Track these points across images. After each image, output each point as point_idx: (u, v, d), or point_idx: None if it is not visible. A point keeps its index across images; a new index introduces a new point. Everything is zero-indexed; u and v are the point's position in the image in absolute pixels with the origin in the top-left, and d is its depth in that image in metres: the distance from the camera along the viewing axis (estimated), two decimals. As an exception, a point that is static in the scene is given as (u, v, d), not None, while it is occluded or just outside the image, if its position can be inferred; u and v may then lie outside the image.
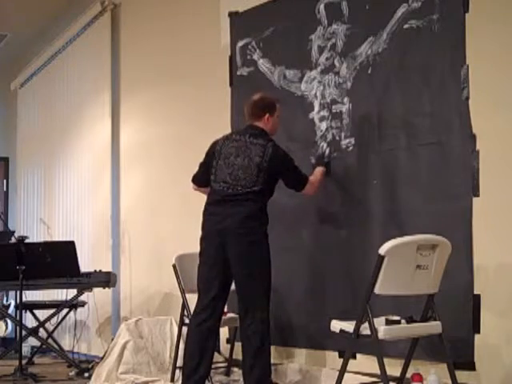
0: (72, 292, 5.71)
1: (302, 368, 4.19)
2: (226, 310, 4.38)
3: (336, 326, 3.31)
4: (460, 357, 3.38)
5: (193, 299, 4.01)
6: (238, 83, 4.90)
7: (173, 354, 4.43)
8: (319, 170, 4.10)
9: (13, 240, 5.71)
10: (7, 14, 7.02)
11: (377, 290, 3.08)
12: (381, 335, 3.06)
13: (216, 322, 3.79)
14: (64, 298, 5.81)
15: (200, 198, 4.02)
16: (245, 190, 3.73)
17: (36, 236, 7.31)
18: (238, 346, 4.35)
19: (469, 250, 3.47)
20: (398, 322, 3.18)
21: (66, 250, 5.17)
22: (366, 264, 3.63)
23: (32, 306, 6.07)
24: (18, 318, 5.26)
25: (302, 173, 3.93)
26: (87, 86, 6.83)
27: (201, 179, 4.04)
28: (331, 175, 4.20)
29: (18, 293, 5.09)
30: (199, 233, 3.87)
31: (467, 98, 3.54)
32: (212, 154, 3.93)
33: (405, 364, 3.42)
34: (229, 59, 4.96)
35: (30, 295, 6.23)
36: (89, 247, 6.56)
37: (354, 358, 3.80)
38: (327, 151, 4.23)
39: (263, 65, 4.70)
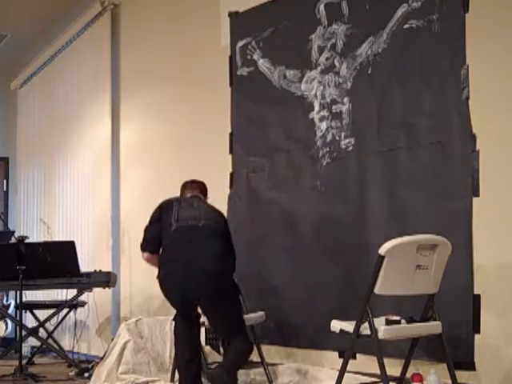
0: (72, 292, 5.71)
1: (302, 368, 4.18)
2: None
3: (336, 325, 3.31)
4: (460, 357, 3.38)
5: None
6: (237, 83, 4.90)
7: (173, 354, 4.42)
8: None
9: (13, 240, 5.70)
10: (7, 14, 7.02)
11: (377, 290, 3.07)
12: (381, 335, 3.05)
13: (196, 313, 3.78)
14: (64, 298, 5.80)
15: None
16: (214, 224, 3.71)
17: (36, 236, 7.31)
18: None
19: (469, 250, 3.47)
20: (398, 322, 3.17)
21: (66, 250, 5.16)
22: (365, 264, 3.63)
23: (32, 306, 6.06)
24: (18, 318, 5.25)
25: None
26: (87, 85, 6.84)
27: (158, 240, 3.76)
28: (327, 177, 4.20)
29: (18, 293, 5.08)
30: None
31: (467, 98, 3.54)
32: (169, 204, 3.85)
33: (405, 364, 3.41)
34: (229, 59, 4.96)
35: (30, 295, 6.23)
36: (89, 247, 6.56)
37: (354, 358, 3.79)
38: None
39: (263, 65, 4.70)
